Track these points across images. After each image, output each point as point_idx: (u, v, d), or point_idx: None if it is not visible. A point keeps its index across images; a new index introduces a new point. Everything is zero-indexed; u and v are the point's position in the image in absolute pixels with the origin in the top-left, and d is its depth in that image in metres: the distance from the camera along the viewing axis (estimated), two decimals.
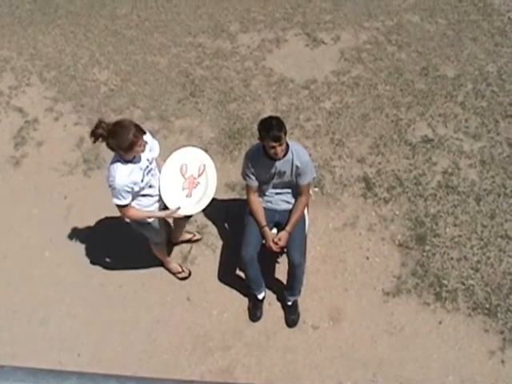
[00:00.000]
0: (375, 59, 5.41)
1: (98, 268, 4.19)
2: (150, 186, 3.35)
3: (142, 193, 3.32)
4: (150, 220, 3.48)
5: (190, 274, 4.10)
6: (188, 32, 5.87)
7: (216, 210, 4.17)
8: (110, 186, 3.18)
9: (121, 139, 3.00)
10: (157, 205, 3.47)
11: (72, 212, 4.53)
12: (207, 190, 3.45)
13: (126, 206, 3.23)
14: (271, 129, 3.21)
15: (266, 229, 3.59)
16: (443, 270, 4.00)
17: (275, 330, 3.84)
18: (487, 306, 3.83)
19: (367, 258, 4.11)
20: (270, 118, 3.33)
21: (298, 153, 3.42)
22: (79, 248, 4.30)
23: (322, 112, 4.99)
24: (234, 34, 5.79)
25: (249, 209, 3.65)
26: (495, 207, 4.28)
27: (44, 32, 6.01)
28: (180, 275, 4.09)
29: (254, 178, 3.53)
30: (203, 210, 3.52)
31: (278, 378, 3.65)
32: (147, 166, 3.26)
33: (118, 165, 3.13)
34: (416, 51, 5.45)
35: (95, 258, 4.25)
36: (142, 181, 3.24)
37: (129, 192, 3.18)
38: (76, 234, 4.37)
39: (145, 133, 3.13)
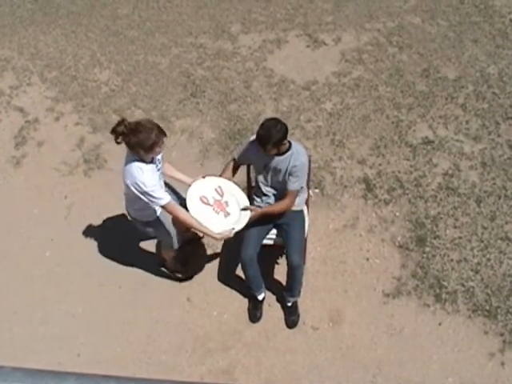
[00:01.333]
0: (376, 60, 5.40)
1: (98, 268, 4.19)
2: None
3: None
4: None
5: (191, 274, 4.10)
6: (189, 32, 5.87)
7: None
8: (144, 193, 3.08)
9: (143, 138, 2.98)
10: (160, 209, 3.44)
11: (72, 212, 4.54)
12: (238, 199, 3.48)
13: (169, 202, 3.16)
14: (260, 130, 3.26)
15: None
16: (443, 271, 3.99)
17: (275, 330, 3.84)
18: (487, 307, 3.82)
19: (367, 260, 4.11)
20: (274, 120, 3.32)
21: (298, 153, 3.42)
22: (79, 248, 4.30)
23: (323, 113, 4.99)
24: (235, 35, 5.79)
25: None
26: (496, 209, 4.28)
27: (45, 32, 6.01)
28: (181, 275, 4.08)
29: (242, 161, 3.62)
30: None
31: (278, 379, 3.64)
32: (156, 166, 3.27)
33: (142, 167, 3.09)
34: (417, 53, 5.45)
35: (95, 258, 4.25)
36: (159, 180, 3.26)
37: (160, 189, 3.17)
38: (76, 234, 4.37)
39: (166, 135, 3.12)
